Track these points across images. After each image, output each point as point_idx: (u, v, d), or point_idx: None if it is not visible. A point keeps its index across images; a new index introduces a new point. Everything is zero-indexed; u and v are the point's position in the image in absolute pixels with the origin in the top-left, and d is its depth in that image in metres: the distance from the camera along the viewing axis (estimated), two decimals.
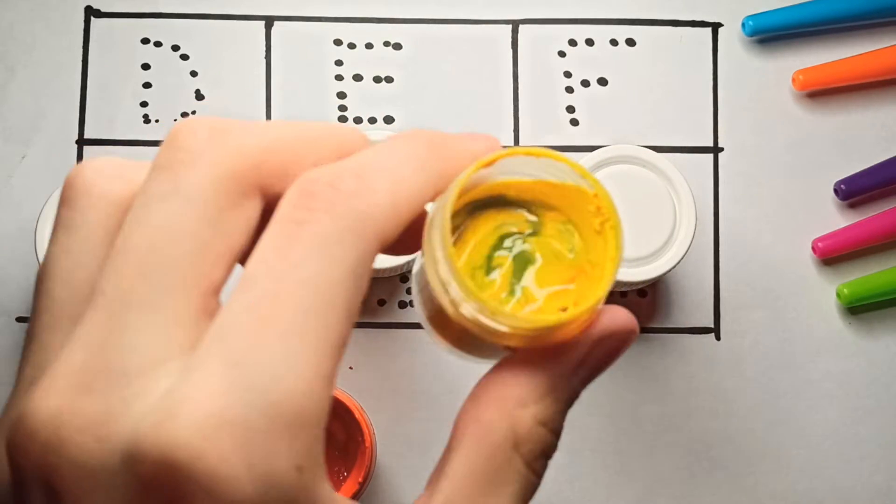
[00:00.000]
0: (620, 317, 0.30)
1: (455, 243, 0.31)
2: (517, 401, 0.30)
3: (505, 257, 0.31)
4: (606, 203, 0.30)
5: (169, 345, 0.27)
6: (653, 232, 0.52)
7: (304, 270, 0.26)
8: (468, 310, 0.29)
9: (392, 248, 0.30)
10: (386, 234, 0.28)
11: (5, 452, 0.27)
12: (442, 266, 0.29)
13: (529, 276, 0.31)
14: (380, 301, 0.59)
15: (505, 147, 0.30)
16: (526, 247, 0.31)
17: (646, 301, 0.59)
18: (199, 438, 0.25)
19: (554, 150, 0.31)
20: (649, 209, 0.53)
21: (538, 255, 0.31)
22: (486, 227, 0.31)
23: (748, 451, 0.58)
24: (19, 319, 0.58)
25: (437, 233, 0.29)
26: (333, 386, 0.27)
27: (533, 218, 0.31)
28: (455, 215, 0.31)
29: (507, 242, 0.31)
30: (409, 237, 0.30)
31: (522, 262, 0.31)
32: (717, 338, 0.59)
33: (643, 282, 0.53)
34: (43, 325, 0.30)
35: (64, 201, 0.30)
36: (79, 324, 0.27)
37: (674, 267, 0.53)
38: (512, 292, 0.31)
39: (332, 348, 0.27)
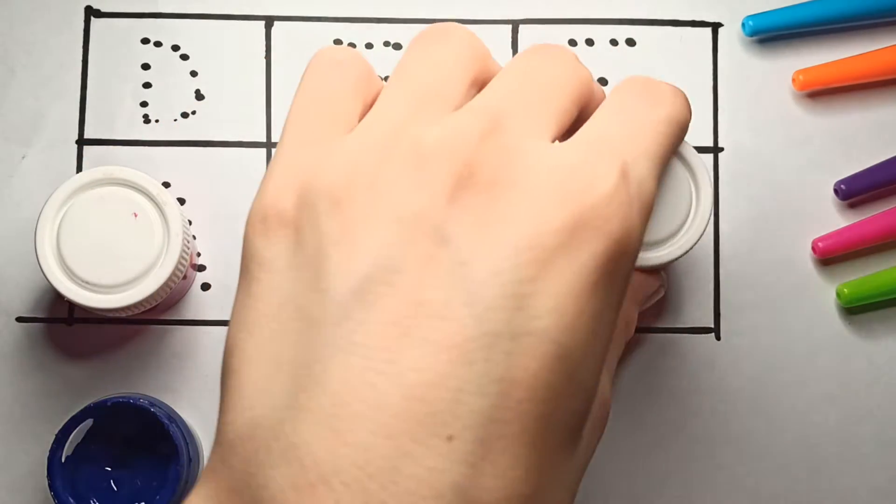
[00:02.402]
0: None
1: None
2: None
3: None
4: None
5: (542, 124, 0.38)
6: (669, 215, 0.50)
7: (665, 130, 0.40)
8: None
9: None
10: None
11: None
12: None
13: None
14: None
15: None
16: None
17: None
18: (617, 180, 0.35)
19: None
20: (665, 192, 0.50)
21: None
22: None
23: (748, 451, 0.58)
24: (19, 319, 0.58)
25: None
26: None
27: None
28: None
29: None
30: None
31: None
32: (717, 338, 0.59)
33: (659, 265, 0.50)
34: (416, 95, 0.38)
35: (435, 38, 0.39)
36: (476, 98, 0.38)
37: (690, 248, 0.50)
38: None
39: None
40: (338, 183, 0.33)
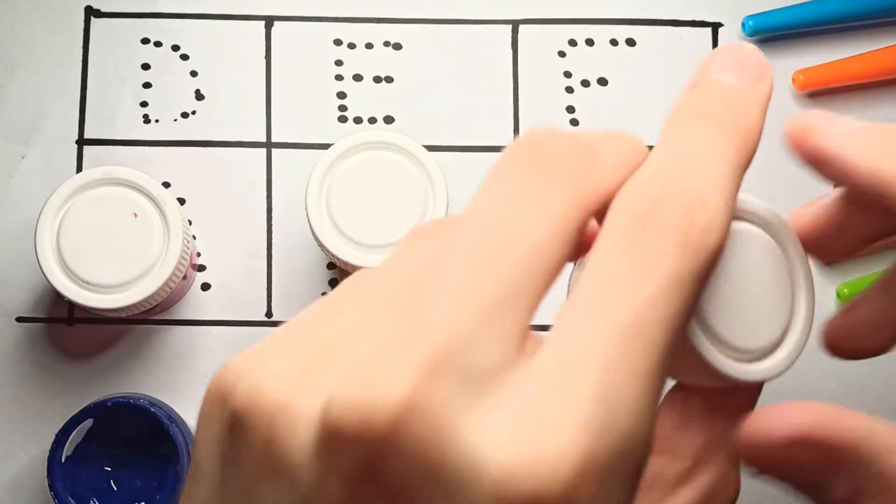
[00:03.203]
0: None
1: None
2: None
3: None
4: None
5: (509, 350, 0.25)
6: (763, 315, 0.34)
7: (661, 310, 0.26)
8: None
9: None
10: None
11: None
12: None
13: None
14: None
15: None
16: None
17: None
18: (571, 480, 0.23)
19: None
20: (751, 283, 0.34)
21: None
22: None
23: None
24: (19, 319, 0.58)
25: None
26: None
27: None
28: None
29: None
30: None
31: None
32: None
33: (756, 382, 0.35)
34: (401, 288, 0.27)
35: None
36: (428, 308, 0.25)
37: (797, 358, 0.37)
38: None
39: (659, 398, 0.27)
40: (244, 408, 0.27)
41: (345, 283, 0.28)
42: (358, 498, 0.24)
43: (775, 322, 0.34)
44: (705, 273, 0.27)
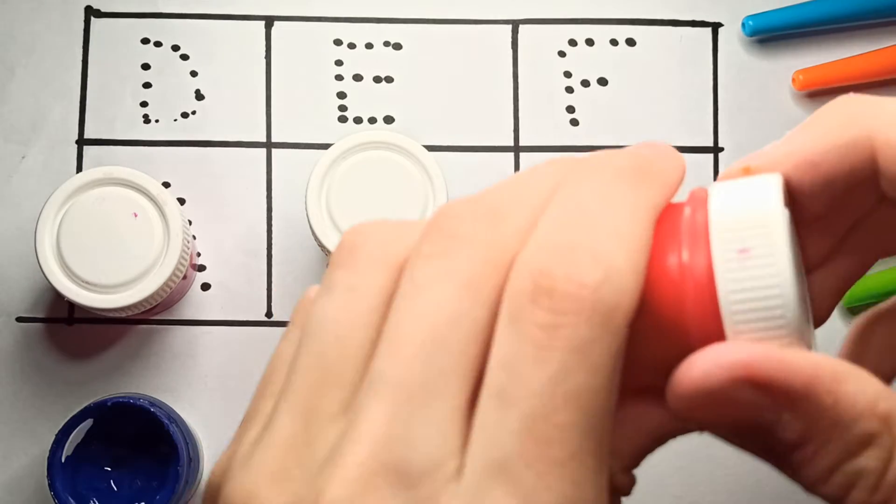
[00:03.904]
0: None
1: None
2: None
3: None
4: None
5: (447, 444, 0.25)
6: None
7: (569, 384, 0.24)
8: None
9: None
10: (633, 314, 0.25)
11: None
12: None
13: None
14: None
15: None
16: None
17: None
18: None
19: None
20: None
21: None
22: None
23: None
24: (19, 319, 0.58)
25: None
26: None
27: None
28: None
29: None
30: None
31: None
32: None
33: None
34: (308, 384, 0.27)
35: (341, 263, 0.28)
36: (359, 410, 0.25)
37: None
38: None
39: (605, 465, 0.25)
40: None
41: (296, 349, 0.28)
42: None
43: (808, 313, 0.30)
44: (617, 331, 0.25)
